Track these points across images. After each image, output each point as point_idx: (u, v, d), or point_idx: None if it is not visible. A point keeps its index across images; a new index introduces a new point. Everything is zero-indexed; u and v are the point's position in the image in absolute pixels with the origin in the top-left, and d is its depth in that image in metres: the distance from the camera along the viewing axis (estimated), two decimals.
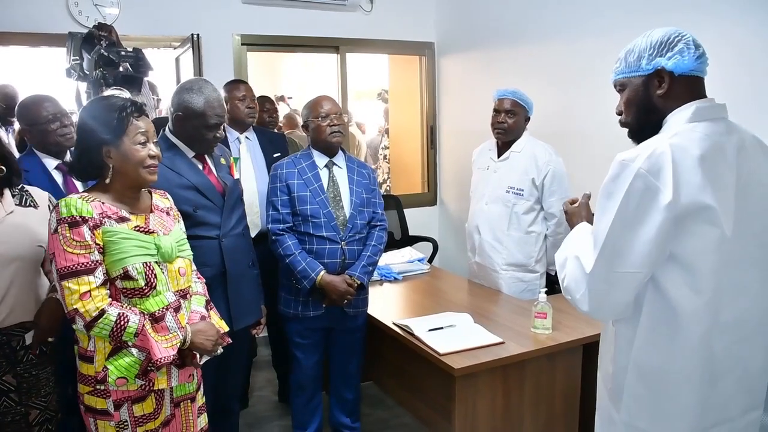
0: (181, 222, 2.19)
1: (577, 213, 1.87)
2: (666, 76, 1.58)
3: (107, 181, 1.94)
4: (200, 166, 2.57)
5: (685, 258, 1.48)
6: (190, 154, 2.55)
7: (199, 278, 2.25)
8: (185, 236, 2.14)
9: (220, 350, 2.12)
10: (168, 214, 2.12)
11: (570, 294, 1.63)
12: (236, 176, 2.73)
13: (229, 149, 3.45)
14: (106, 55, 3.27)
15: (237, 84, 3.72)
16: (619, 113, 1.72)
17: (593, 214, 1.66)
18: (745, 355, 1.58)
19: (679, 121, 1.57)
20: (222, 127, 2.57)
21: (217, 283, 2.50)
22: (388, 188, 7.20)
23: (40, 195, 2.36)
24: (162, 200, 2.14)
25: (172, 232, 2.05)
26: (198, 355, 2.04)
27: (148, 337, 1.86)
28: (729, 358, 1.56)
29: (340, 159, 3.01)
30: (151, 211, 2.04)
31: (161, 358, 1.87)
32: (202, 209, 2.49)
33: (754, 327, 1.58)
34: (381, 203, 3.09)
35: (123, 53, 3.34)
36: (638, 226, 1.47)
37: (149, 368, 1.89)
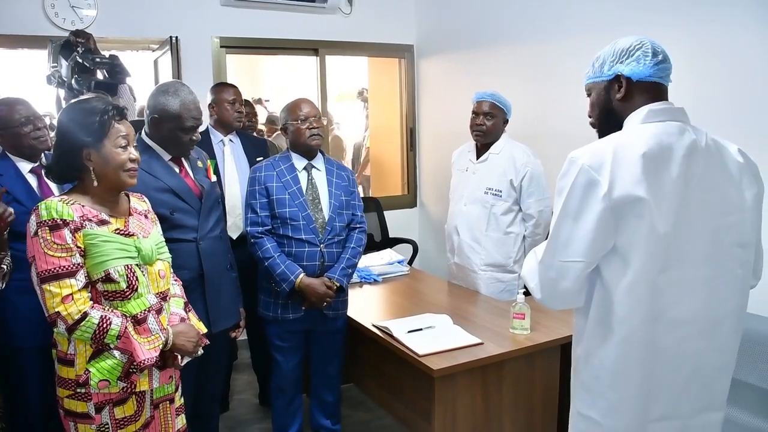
0: (158, 225, 2.19)
1: None
2: (624, 81, 1.67)
3: (94, 183, 1.93)
4: (177, 169, 2.56)
5: (622, 249, 1.55)
6: (167, 157, 2.54)
7: (176, 280, 2.25)
8: (163, 239, 2.15)
9: (200, 351, 2.13)
10: (146, 217, 2.12)
11: (526, 283, 1.72)
12: (213, 179, 2.72)
13: (213, 151, 3.45)
14: (81, 62, 3.24)
15: (227, 87, 3.72)
16: (590, 116, 1.81)
17: None
18: (698, 352, 1.62)
19: (633, 122, 1.64)
20: (198, 129, 2.56)
21: (194, 286, 2.49)
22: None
23: None
24: (140, 203, 2.14)
25: (151, 235, 2.06)
26: (179, 357, 2.05)
27: (131, 339, 1.87)
28: (679, 355, 1.60)
29: (319, 161, 3.01)
30: (130, 214, 2.04)
31: (144, 360, 1.87)
32: (178, 212, 2.48)
33: (707, 325, 1.62)
34: (360, 205, 3.10)
35: (98, 60, 3.30)
36: (580, 217, 1.56)
37: (131, 370, 1.89)
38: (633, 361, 1.59)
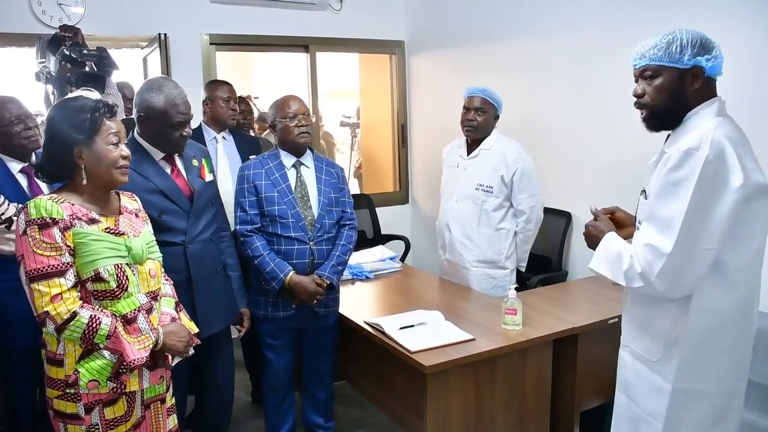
0: (149, 224, 2.17)
1: (600, 229, 2.02)
2: (701, 74, 1.77)
3: (84, 182, 1.91)
4: (168, 169, 2.53)
5: (746, 231, 1.72)
6: (158, 155, 2.51)
7: (167, 280, 2.23)
8: (154, 238, 2.13)
9: (191, 351, 2.11)
10: (137, 215, 2.10)
11: (644, 279, 1.77)
12: (208, 178, 2.66)
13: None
14: (69, 55, 3.22)
15: (222, 84, 3.71)
16: (640, 95, 1.87)
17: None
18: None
19: (708, 114, 1.77)
20: (187, 124, 2.51)
21: (183, 290, 2.44)
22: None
23: None
24: (130, 202, 2.13)
25: (142, 234, 2.04)
26: (170, 357, 2.04)
27: (121, 339, 1.85)
28: (754, 322, 1.87)
29: (308, 158, 3.00)
30: (120, 213, 2.03)
31: (134, 360, 1.86)
32: (167, 214, 2.44)
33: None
34: (350, 202, 3.08)
35: (86, 52, 3.28)
36: (713, 207, 1.67)
37: (121, 370, 1.88)
38: (746, 330, 1.82)
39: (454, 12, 5.02)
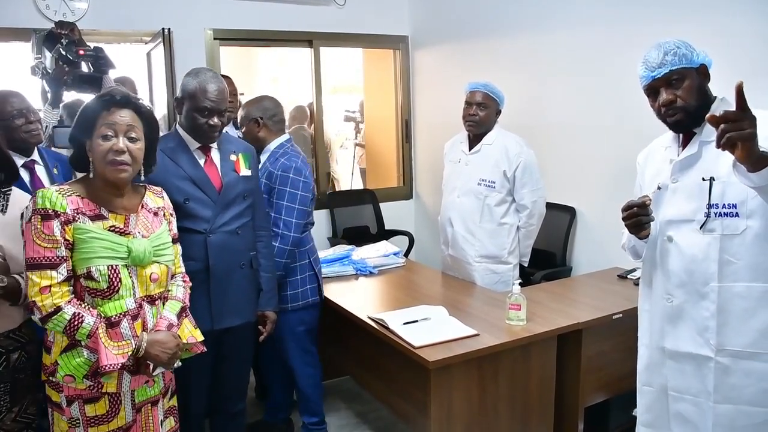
0: (168, 224, 2.11)
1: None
2: (706, 69, 1.91)
3: (91, 175, 1.93)
4: (202, 160, 2.53)
5: None
6: (194, 145, 2.52)
7: (184, 282, 2.18)
8: (169, 240, 2.07)
9: (178, 363, 2.05)
10: (156, 214, 2.06)
11: None
12: (245, 173, 2.63)
13: None
14: (65, 55, 3.21)
15: None
16: (672, 101, 1.89)
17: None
18: None
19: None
20: (217, 115, 2.48)
21: (200, 279, 2.43)
22: None
23: (18, 200, 2.13)
24: (154, 199, 2.09)
25: (154, 235, 1.99)
26: (151, 365, 1.96)
27: (99, 341, 1.83)
28: None
29: (264, 156, 3.10)
30: (137, 211, 2.00)
31: (107, 365, 1.82)
32: (193, 201, 2.44)
33: None
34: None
35: (82, 52, 3.26)
36: None
37: (98, 371, 1.84)
38: None
39: (458, 7, 5.00)
